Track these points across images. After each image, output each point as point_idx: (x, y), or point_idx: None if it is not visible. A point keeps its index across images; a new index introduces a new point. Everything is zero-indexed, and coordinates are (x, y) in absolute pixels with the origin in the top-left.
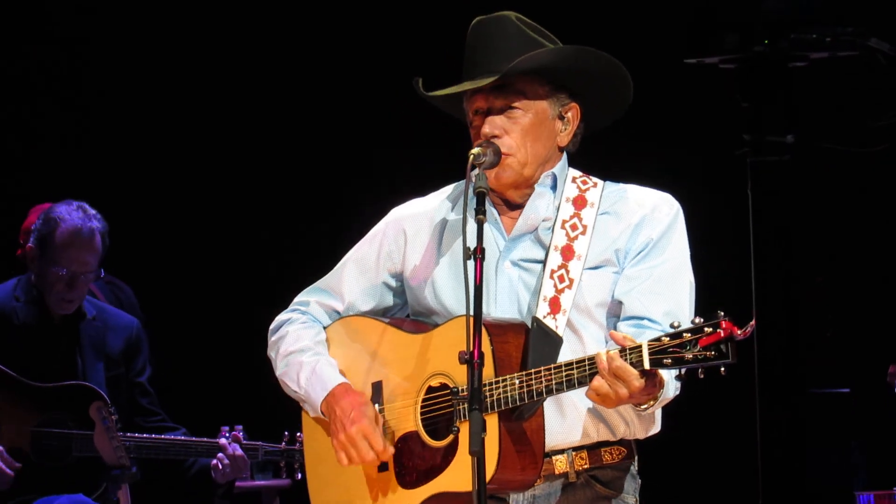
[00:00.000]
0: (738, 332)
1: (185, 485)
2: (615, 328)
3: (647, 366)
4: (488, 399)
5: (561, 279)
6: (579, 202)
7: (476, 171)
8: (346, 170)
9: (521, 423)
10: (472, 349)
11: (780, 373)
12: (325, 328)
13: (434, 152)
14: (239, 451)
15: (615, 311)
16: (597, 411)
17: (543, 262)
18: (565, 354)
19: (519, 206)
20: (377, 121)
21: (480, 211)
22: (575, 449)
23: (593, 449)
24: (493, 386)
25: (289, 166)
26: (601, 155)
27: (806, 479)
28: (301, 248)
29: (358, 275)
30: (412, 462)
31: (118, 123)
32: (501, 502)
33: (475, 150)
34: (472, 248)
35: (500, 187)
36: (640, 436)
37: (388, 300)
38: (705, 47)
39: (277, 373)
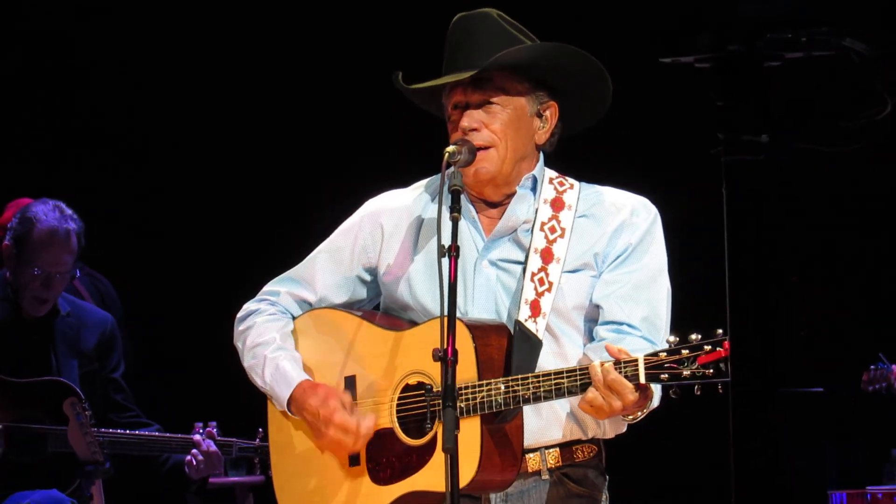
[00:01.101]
0: None
1: (158, 480)
2: (592, 332)
3: (642, 380)
4: (472, 402)
5: (541, 282)
6: (557, 204)
7: (451, 168)
8: (320, 162)
9: (503, 425)
10: (446, 347)
11: (754, 372)
12: (294, 319)
13: (410, 146)
14: (213, 448)
15: (592, 315)
16: (571, 412)
17: (524, 265)
18: (544, 357)
19: (496, 206)
20: (351, 113)
21: (455, 209)
22: (548, 447)
23: (565, 447)
24: (477, 389)
25: (262, 160)
26: (576, 153)
27: (779, 478)
28: (277, 246)
29: (331, 267)
30: (386, 459)
31: (96, 117)
32: (475, 501)
33: (450, 148)
34: (446, 246)
35: (477, 184)
36: (609, 436)
37: (361, 293)
38: (681, 47)
39: (245, 364)
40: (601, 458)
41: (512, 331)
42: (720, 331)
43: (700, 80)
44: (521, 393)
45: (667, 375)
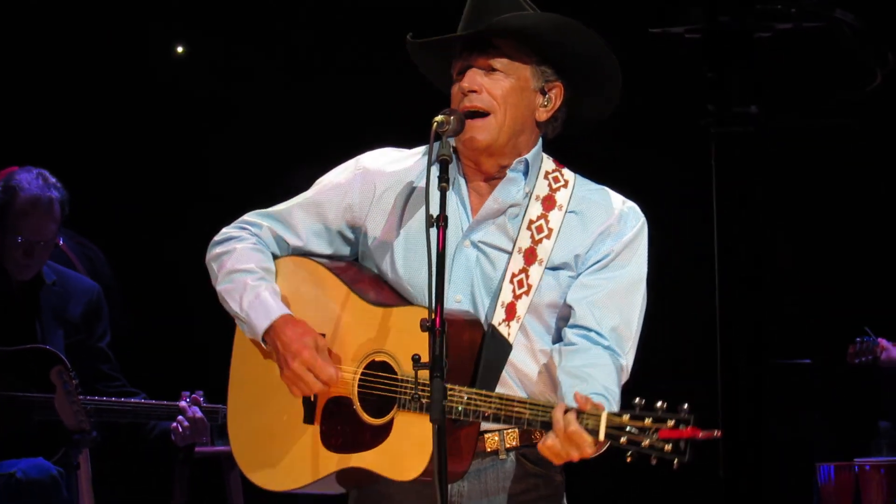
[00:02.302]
0: (701, 434)
1: (145, 447)
2: (561, 333)
3: (601, 437)
4: (426, 402)
5: (520, 284)
6: (548, 203)
7: (441, 139)
8: (310, 129)
9: (460, 427)
10: (433, 317)
11: (743, 343)
12: (275, 258)
13: (405, 111)
14: (199, 414)
15: (564, 314)
16: (530, 397)
17: (505, 266)
18: (512, 352)
19: (489, 180)
20: (343, 77)
21: (444, 179)
22: (507, 427)
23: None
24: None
25: (250, 127)
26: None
27: (767, 450)
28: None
29: (315, 220)
30: (340, 427)
31: (83, 84)
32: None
33: (438, 118)
34: (434, 216)
35: (473, 152)
36: None
37: (344, 250)
38: (671, 17)
39: (218, 286)
40: None
41: (485, 328)
42: (686, 406)
43: (690, 50)
44: (482, 409)
45: (626, 440)
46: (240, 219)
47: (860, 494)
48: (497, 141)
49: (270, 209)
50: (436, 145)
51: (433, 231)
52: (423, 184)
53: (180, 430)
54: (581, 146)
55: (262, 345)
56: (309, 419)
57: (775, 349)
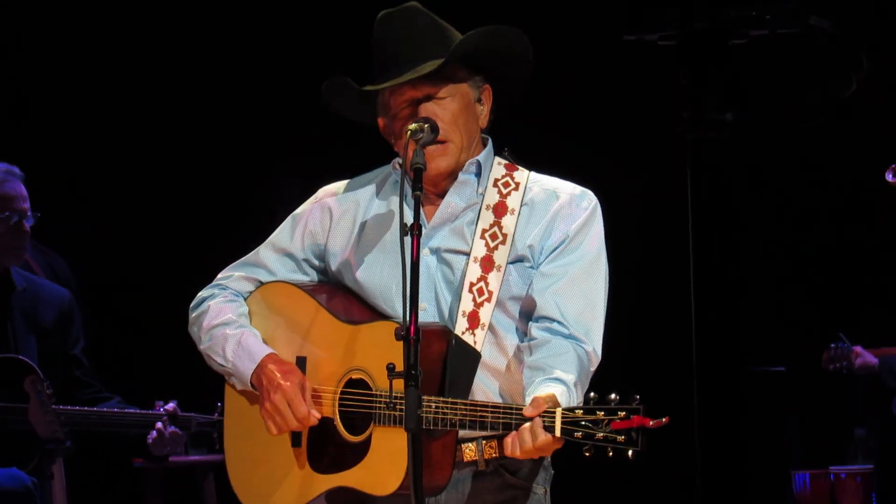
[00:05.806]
0: (650, 423)
1: (118, 456)
2: (527, 326)
3: (557, 433)
4: (399, 414)
5: (480, 292)
6: (500, 209)
7: (415, 147)
8: (282, 144)
9: (435, 438)
10: (408, 325)
11: (718, 350)
12: (246, 299)
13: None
14: (172, 429)
15: (529, 306)
16: (502, 393)
17: (462, 273)
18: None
19: (443, 194)
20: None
21: (418, 187)
22: (485, 438)
23: (502, 438)
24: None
25: (224, 137)
26: (540, 132)
27: (742, 458)
28: (235, 218)
29: (282, 252)
30: (325, 447)
31: (55, 91)
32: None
33: (412, 126)
34: (408, 225)
35: (436, 177)
36: None
37: (315, 276)
38: (645, 23)
39: (201, 347)
40: None
41: (451, 339)
42: (638, 397)
43: (665, 56)
44: (449, 417)
45: (581, 434)
46: (215, 279)
47: (836, 502)
48: (458, 163)
49: (239, 260)
50: (411, 153)
51: (407, 239)
52: (382, 199)
53: (155, 443)
54: (557, 153)
55: (251, 391)
56: (297, 442)
57: (751, 357)
